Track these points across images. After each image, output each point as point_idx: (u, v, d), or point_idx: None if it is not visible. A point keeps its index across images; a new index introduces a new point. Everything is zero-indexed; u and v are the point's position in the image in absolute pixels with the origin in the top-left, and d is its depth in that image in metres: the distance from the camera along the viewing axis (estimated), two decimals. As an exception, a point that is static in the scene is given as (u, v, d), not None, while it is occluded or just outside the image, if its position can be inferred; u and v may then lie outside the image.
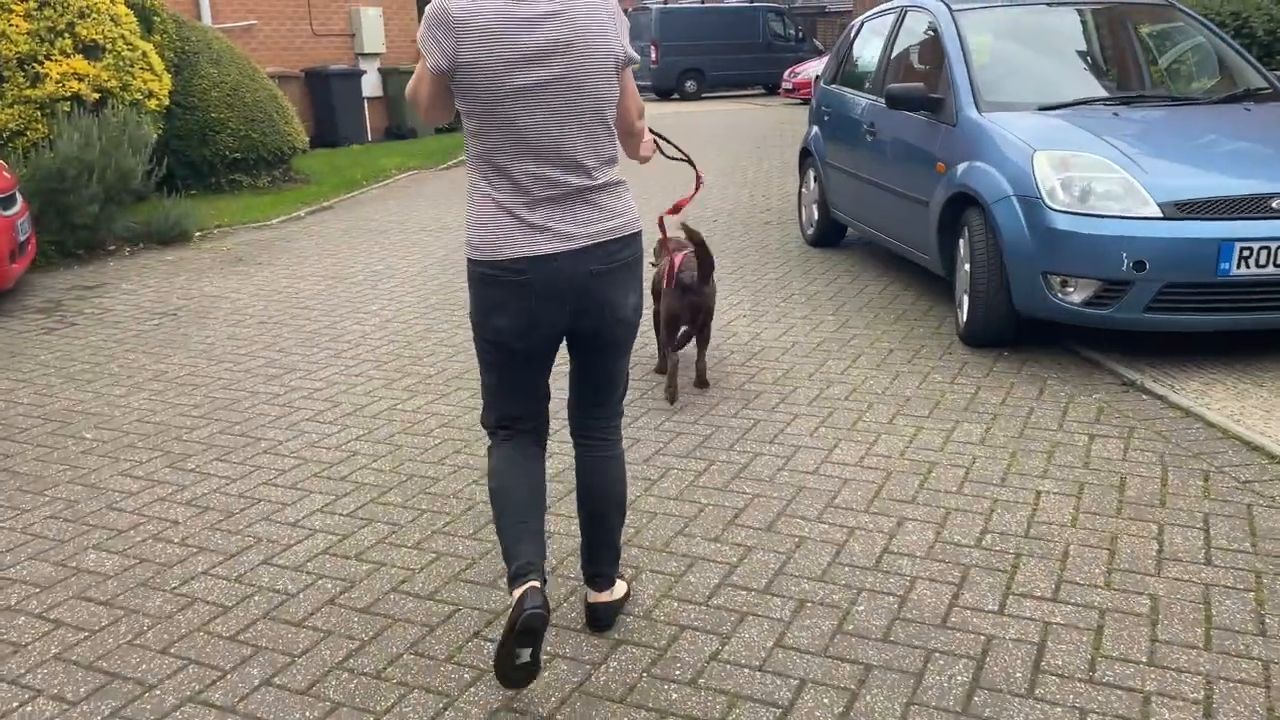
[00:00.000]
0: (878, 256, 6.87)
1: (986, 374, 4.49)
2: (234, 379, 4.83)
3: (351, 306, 6.11)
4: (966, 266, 4.78)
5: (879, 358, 4.77)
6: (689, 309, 4.23)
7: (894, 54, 6.17)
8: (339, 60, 15.04)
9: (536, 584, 2.24)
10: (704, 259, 4.17)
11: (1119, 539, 3.02)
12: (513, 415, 2.49)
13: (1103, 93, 5.27)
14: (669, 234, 4.24)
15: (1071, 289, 4.34)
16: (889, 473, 3.52)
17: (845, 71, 7.04)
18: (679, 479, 3.54)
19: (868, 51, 6.74)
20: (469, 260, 2.37)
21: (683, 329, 4.30)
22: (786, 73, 23.03)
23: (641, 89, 19.81)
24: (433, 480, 3.60)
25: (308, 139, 11.38)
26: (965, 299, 4.82)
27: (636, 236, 2.41)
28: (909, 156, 5.51)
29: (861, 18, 7.14)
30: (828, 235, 7.21)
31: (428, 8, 2.24)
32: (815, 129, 7.28)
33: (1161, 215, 4.15)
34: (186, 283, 6.89)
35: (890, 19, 6.37)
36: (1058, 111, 4.90)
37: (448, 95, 2.33)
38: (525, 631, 2.18)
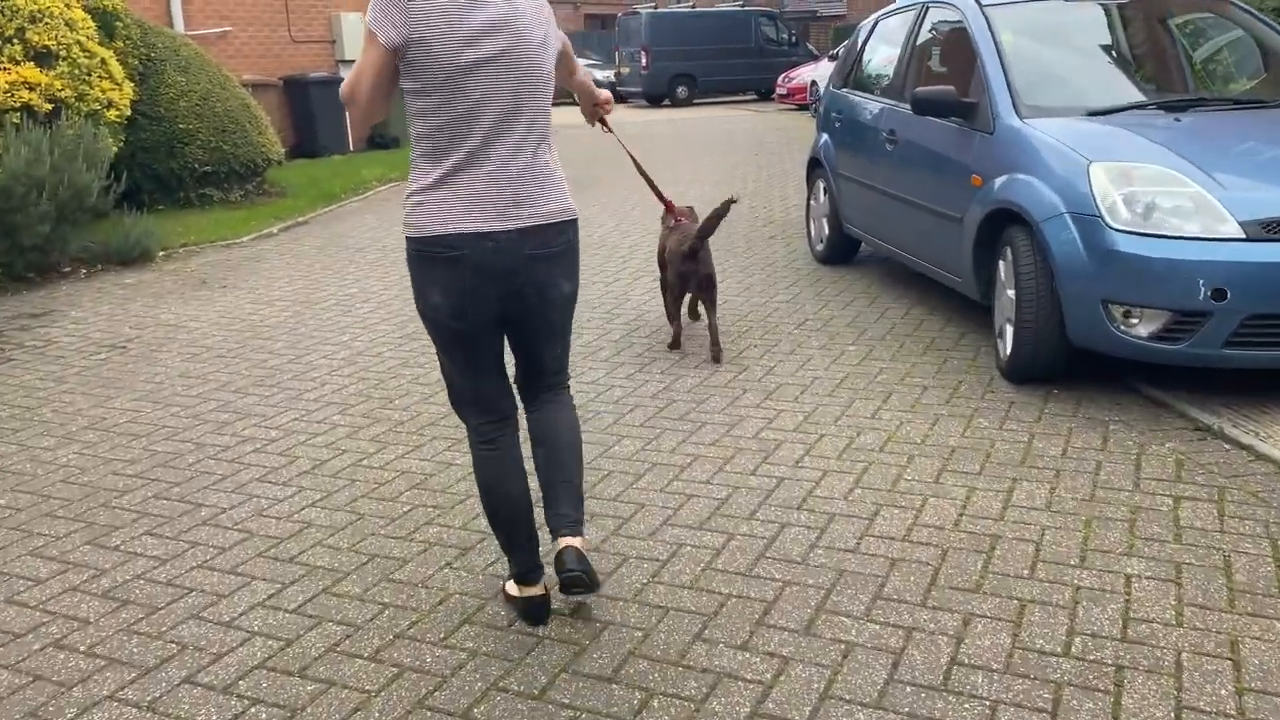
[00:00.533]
0: (896, 275, 6.31)
1: (1038, 418, 3.91)
2: (179, 427, 4.22)
3: (319, 337, 5.51)
4: (1010, 292, 4.21)
5: (912, 397, 4.20)
6: (690, 274, 4.64)
7: (915, 55, 5.61)
8: (319, 68, 14.44)
9: (541, 592, 2.60)
10: (709, 221, 4.62)
11: (1240, 644, 2.44)
12: (479, 401, 2.54)
13: (1157, 95, 4.71)
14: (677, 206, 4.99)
15: (1136, 320, 3.77)
16: (944, 550, 2.94)
17: (858, 75, 6.47)
18: (692, 560, 2.95)
19: (883, 53, 6.17)
20: (407, 238, 2.37)
21: (688, 296, 4.82)
22: (780, 78, 22.52)
23: (631, 95, 19.35)
24: (398, 563, 3.01)
25: (284, 150, 10.79)
26: (1008, 329, 4.25)
27: (573, 223, 2.48)
28: (938, 167, 4.94)
29: (874, 16, 6.58)
30: (840, 252, 6.64)
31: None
32: (824, 137, 6.72)
33: (1244, 236, 3.59)
34: (143, 310, 6.28)
35: (909, 17, 5.80)
36: (1110, 117, 4.33)
37: (391, 84, 2.33)
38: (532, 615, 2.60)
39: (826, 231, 6.69)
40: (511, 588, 2.67)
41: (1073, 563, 2.84)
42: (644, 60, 24.18)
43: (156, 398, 4.60)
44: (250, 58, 13.63)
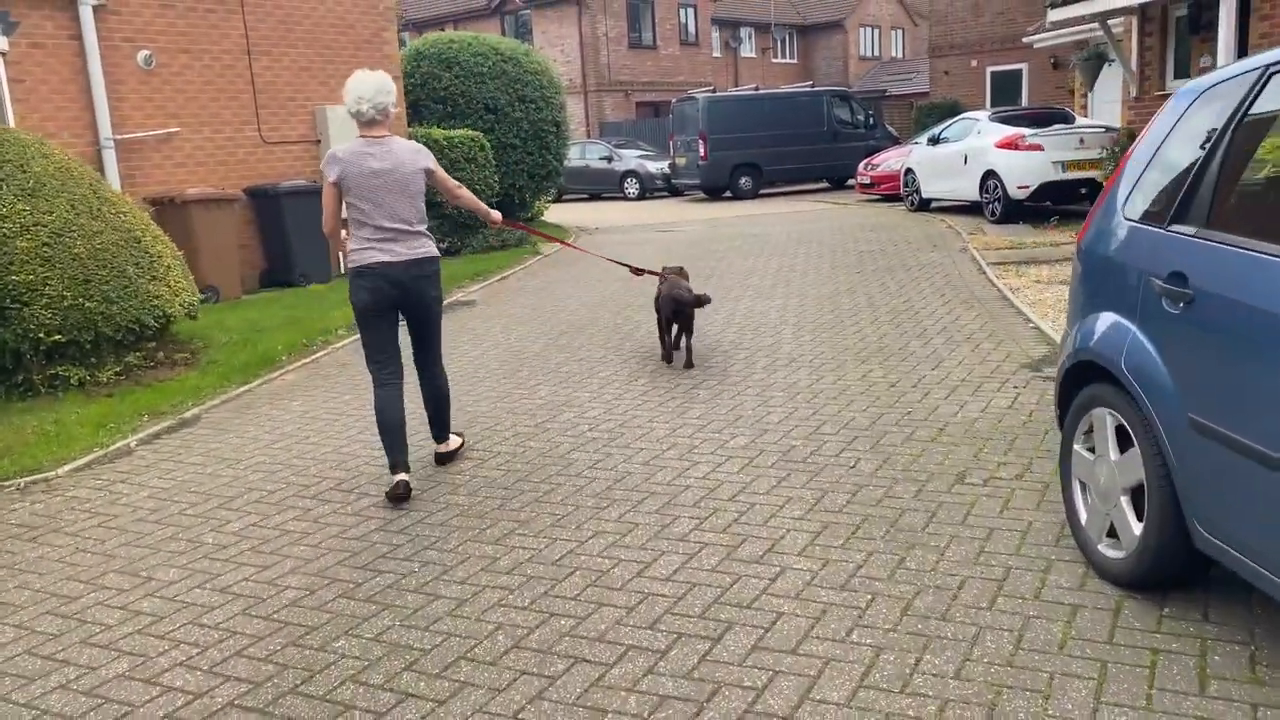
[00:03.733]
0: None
1: None
2: None
3: None
4: None
5: None
6: (676, 314, 6.27)
7: None
8: (300, 174, 11.29)
9: (405, 478, 4.24)
10: (698, 302, 6.22)
11: None
12: (381, 359, 4.34)
13: None
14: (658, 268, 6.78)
15: None
16: None
17: (1230, 200, 2.81)
18: None
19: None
20: (350, 268, 4.28)
21: (675, 327, 6.42)
22: (862, 165, 19.01)
23: (689, 188, 16.38)
24: None
25: (198, 298, 7.43)
26: None
27: (435, 259, 4.39)
28: None
29: (1255, 64, 2.90)
30: (1173, 568, 2.94)
31: (327, 154, 4.25)
32: (1116, 323, 3.05)
33: None
34: None
35: None
36: None
37: (340, 202, 4.30)
38: (395, 498, 4.22)
39: (1134, 527, 2.98)
40: (388, 472, 4.30)
41: None
42: (701, 149, 20.86)
43: None
44: (206, 165, 10.50)
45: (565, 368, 6.63)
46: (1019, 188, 12.56)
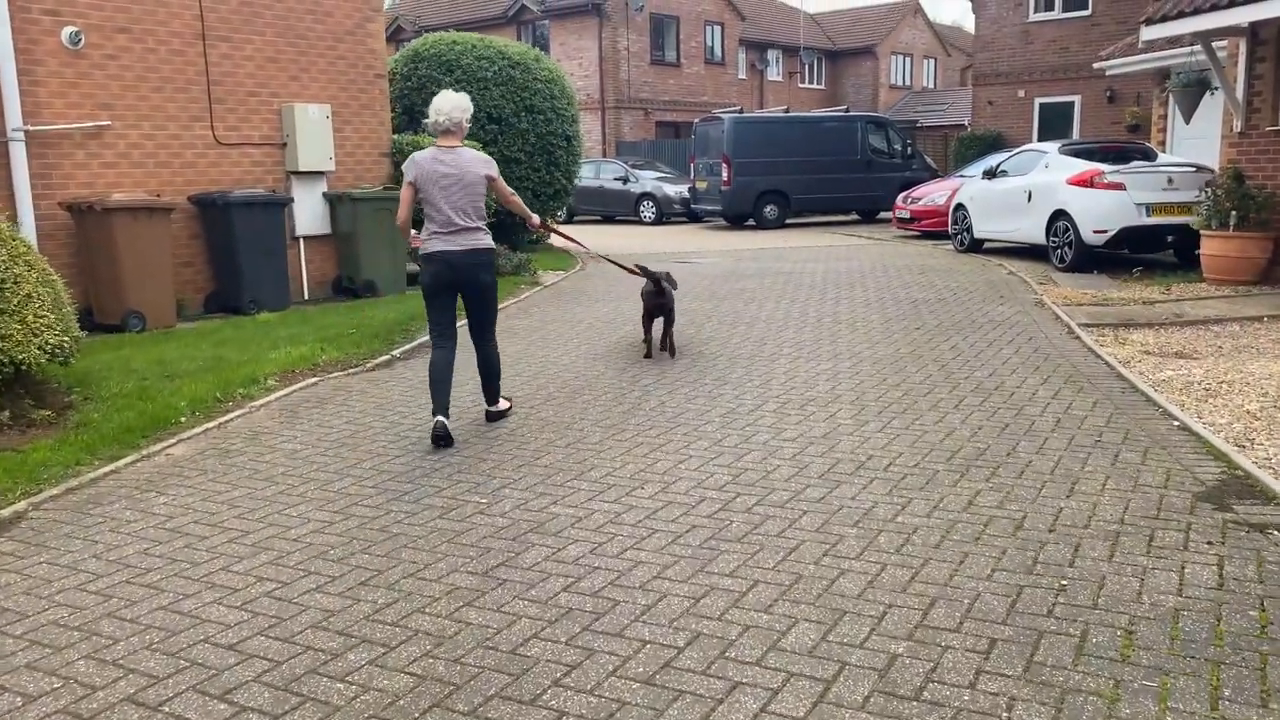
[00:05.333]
0: None
1: None
2: None
3: None
4: None
5: None
6: (657, 306, 6.81)
7: None
8: (260, 181, 9.53)
9: (443, 419, 4.93)
10: (657, 281, 6.76)
11: None
12: (439, 330, 5.14)
13: None
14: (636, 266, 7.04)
15: None
16: None
17: None
18: None
19: None
20: (421, 255, 5.10)
21: (656, 319, 6.93)
22: (900, 197, 17.17)
23: (709, 214, 13.03)
24: None
25: (77, 334, 5.63)
26: None
27: (490, 249, 5.16)
28: None
29: None
30: None
31: (408, 159, 5.13)
32: None
33: None
34: None
35: None
36: None
37: (414, 200, 5.10)
38: (436, 439, 4.91)
39: None
40: (430, 417, 4.93)
41: None
42: (725, 173, 19.08)
43: None
44: (144, 167, 8.73)
45: (545, 458, 4.79)
46: (1095, 232, 10.72)
